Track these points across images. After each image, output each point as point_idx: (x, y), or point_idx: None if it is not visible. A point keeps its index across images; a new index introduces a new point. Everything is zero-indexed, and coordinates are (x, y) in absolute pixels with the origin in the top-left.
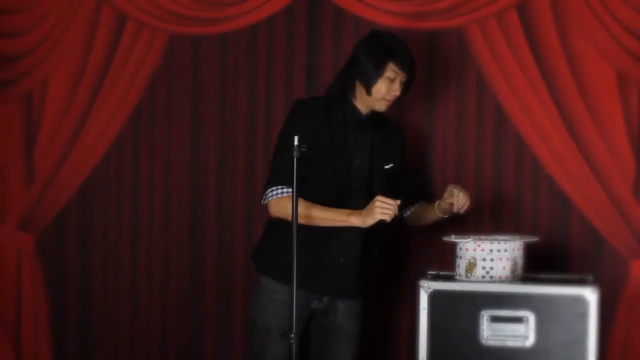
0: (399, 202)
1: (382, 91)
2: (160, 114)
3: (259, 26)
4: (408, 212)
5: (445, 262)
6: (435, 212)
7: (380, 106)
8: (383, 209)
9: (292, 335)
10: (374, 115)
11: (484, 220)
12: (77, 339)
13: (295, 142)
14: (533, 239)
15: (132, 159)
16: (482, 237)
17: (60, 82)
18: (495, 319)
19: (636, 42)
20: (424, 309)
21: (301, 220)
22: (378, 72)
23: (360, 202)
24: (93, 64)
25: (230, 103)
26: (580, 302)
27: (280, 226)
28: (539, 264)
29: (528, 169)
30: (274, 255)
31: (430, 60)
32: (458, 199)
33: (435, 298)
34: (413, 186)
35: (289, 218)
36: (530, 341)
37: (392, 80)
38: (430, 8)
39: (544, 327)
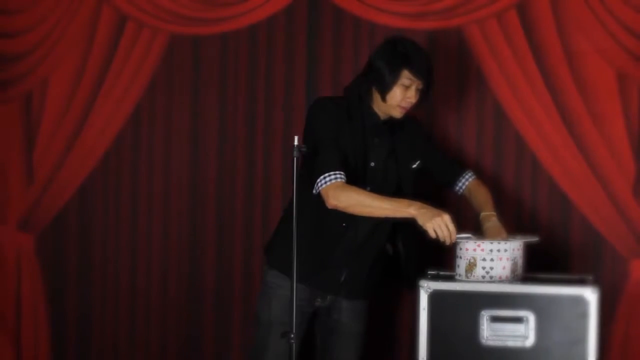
0: (456, 236)
1: (397, 98)
2: (160, 114)
3: (259, 26)
4: (461, 190)
5: (445, 262)
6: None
7: (396, 113)
8: (441, 227)
9: (292, 335)
10: (392, 118)
11: None
12: (76, 338)
13: (295, 142)
14: (533, 239)
15: (132, 159)
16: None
17: (60, 82)
18: (495, 319)
19: (636, 42)
20: (424, 309)
21: (357, 209)
22: (393, 78)
23: None
24: (93, 64)
25: (230, 103)
26: (580, 302)
27: (292, 220)
28: (539, 264)
29: (528, 169)
30: (283, 249)
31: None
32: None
33: (435, 298)
34: (449, 165)
35: (347, 204)
36: (530, 341)
37: (407, 87)
38: (430, 8)
39: (544, 327)
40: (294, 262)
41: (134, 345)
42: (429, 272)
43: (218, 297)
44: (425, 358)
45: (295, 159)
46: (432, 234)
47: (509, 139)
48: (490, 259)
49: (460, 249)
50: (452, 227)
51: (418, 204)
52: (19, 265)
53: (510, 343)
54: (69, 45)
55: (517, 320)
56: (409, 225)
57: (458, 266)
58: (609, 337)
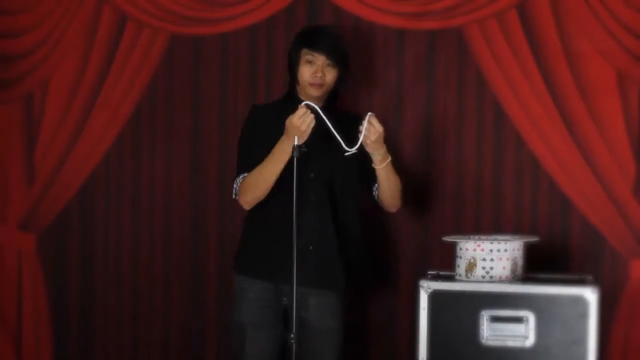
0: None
1: (305, 75)
2: (160, 114)
3: (259, 26)
4: (376, 193)
5: (445, 262)
6: (376, 167)
7: (311, 91)
8: (300, 121)
9: (292, 335)
10: (328, 108)
11: (484, 220)
12: (77, 338)
13: (296, 142)
14: (533, 239)
15: (133, 158)
16: (482, 237)
17: (61, 82)
18: (495, 319)
19: (636, 42)
20: (424, 309)
21: (260, 190)
22: (296, 58)
23: (318, 190)
24: (93, 64)
25: (230, 103)
26: (580, 302)
27: (248, 222)
28: (539, 264)
29: (528, 169)
30: (243, 252)
31: (430, 60)
32: (372, 126)
33: (435, 298)
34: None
35: (251, 192)
36: (530, 341)
37: (312, 63)
38: (430, 8)
39: (544, 327)
40: (294, 263)
41: (135, 345)
42: (429, 272)
43: (220, 296)
44: (425, 358)
45: (295, 159)
46: (307, 125)
47: (509, 139)
48: (490, 259)
49: (460, 249)
50: (297, 113)
51: (283, 139)
52: (20, 265)
53: (510, 343)
54: (69, 46)
55: (517, 320)
56: (361, 232)
57: (458, 266)
58: (609, 337)
